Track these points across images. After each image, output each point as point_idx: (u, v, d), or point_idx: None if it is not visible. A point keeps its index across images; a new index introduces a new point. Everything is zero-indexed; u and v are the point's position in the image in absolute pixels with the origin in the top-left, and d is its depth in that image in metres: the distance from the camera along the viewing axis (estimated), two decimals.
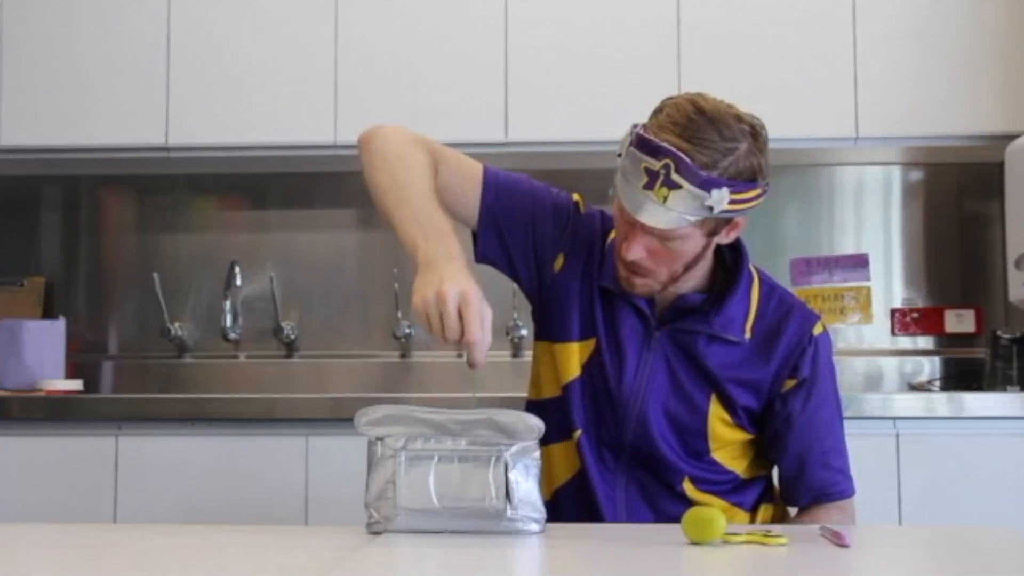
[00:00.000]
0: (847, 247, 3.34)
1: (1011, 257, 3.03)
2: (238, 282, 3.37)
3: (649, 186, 1.67)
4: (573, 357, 1.86)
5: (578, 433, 1.84)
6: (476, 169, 1.89)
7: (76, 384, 3.08)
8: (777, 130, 3.12)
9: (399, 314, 3.29)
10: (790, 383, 1.85)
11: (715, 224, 1.74)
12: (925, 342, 3.32)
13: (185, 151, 3.27)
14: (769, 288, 1.89)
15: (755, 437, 1.88)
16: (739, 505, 1.88)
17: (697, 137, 1.67)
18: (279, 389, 3.29)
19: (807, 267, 3.31)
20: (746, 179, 1.69)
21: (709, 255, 1.82)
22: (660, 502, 1.84)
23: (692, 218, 1.68)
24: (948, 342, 3.31)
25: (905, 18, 3.17)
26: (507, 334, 3.27)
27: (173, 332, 3.36)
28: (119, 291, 3.47)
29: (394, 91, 3.20)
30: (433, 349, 3.34)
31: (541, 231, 1.89)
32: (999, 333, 3.08)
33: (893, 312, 3.32)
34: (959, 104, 3.14)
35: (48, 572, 1.39)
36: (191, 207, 3.48)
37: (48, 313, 3.39)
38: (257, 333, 3.40)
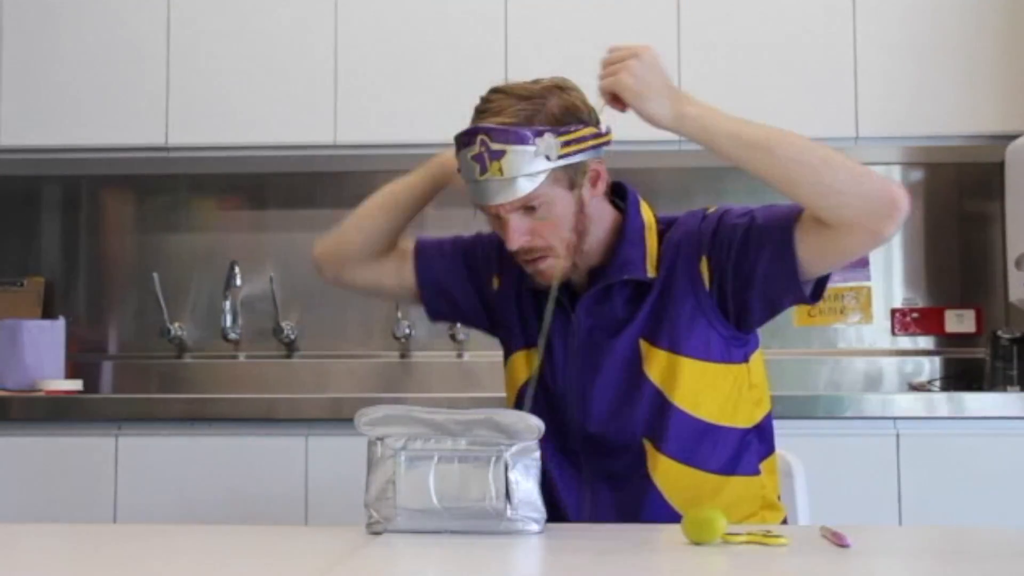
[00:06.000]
0: None
1: (1011, 257, 3.03)
2: (238, 282, 3.37)
3: (483, 170, 1.71)
4: (520, 365, 1.90)
5: None
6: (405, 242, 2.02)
7: (76, 384, 3.08)
8: None
9: (399, 314, 3.28)
10: (704, 261, 1.80)
11: (569, 177, 1.74)
12: (925, 342, 3.31)
13: (185, 151, 3.27)
14: (667, 225, 1.87)
15: (699, 360, 1.82)
16: (709, 467, 1.80)
17: (497, 108, 1.74)
18: (279, 389, 3.29)
19: None
20: (569, 121, 1.73)
21: (601, 214, 1.82)
22: (627, 490, 1.81)
23: (536, 174, 1.70)
24: (948, 342, 3.30)
25: (905, 18, 3.17)
26: None
27: (173, 332, 3.36)
28: (119, 291, 3.47)
29: (394, 91, 3.20)
30: (433, 349, 3.34)
31: (471, 262, 1.98)
32: (999, 333, 3.08)
33: (893, 312, 3.31)
34: (959, 104, 3.15)
35: (48, 572, 1.39)
36: (191, 207, 3.48)
37: (48, 313, 3.39)
38: (257, 333, 3.39)
